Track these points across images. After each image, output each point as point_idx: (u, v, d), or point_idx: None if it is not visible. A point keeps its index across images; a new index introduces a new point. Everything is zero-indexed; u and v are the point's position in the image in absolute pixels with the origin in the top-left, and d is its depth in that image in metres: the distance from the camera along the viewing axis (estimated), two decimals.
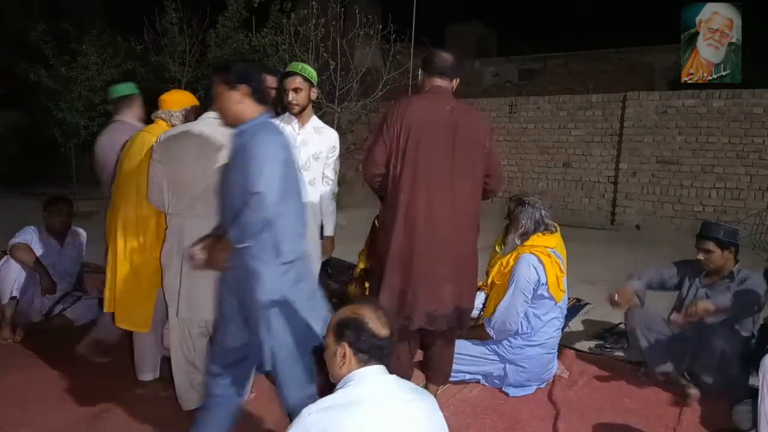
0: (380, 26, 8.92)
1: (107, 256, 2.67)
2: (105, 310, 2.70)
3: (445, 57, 2.45)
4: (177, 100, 2.68)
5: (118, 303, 2.59)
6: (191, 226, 2.26)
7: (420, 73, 2.52)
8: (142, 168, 2.48)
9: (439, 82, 2.43)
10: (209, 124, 2.33)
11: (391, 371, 2.50)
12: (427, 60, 2.47)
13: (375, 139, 2.39)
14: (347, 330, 1.53)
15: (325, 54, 8.55)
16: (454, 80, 2.47)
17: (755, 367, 2.34)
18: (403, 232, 2.33)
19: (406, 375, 2.57)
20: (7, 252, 3.43)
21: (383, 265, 2.40)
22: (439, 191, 2.32)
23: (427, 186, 2.31)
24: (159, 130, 2.56)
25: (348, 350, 1.52)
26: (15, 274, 3.36)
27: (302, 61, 8.78)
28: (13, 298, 3.35)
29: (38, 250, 3.50)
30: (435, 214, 2.32)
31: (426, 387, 2.61)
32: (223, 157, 2.20)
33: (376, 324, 1.54)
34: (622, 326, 3.66)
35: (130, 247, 2.56)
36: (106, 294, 2.66)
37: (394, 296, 2.37)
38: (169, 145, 2.33)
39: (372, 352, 1.52)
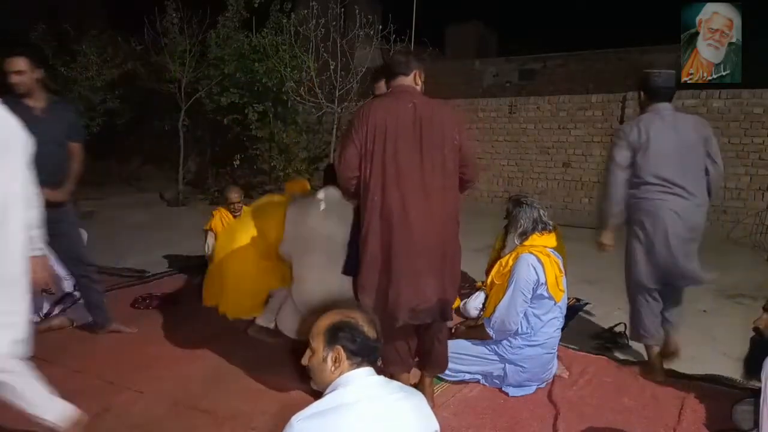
0: (380, 26, 8.92)
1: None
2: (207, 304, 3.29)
3: (399, 57, 2.53)
4: (301, 186, 3.67)
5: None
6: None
7: (384, 85, 2.60)
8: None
9: (399, 80, 2.47)
10: (330, 194, 2.92)
11: (391, 366, 2.54)
12: (385, 69, 2.58)
13: (345, 143, 2.43)
14: (341, 333, 1.51)
15: (325, 54, 8.55)
16: (414, 72, 2.48)
17: (750, 371, 2.33)
18: (380, 233, 2.37)
19: (406, 368, 2.61)
20: None
21: (360, 266, 2.44)
22: (410, 188, 2.34)
23: (397, 184, 2.34)
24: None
25: (342, 354, 1.50)
26: None
27: (302, 61, 8.81)
28: None
29: None
30: (409, 212, 2.34)
31: (421, 379, 2.65)
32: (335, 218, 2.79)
33: (368, 327, 1.54)
34: (622, 326, 3.67)
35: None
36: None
37: (376, 295, 2.41)
38: (298, 208, 3.03)
39: (365, 354, 1.52)
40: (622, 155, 2.94)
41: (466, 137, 2.51)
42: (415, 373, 2.69)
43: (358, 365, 1.51)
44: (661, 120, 2.92)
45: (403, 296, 2.36)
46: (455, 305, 4.09)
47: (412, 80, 2.48)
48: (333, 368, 1.51)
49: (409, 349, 2.60)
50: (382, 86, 2.75)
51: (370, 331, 1.54)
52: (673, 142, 2.88)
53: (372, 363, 1.55)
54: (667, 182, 2.85)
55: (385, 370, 2.55)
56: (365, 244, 2.42)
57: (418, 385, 2.60)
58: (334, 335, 1.52)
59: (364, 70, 8.68)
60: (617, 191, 2.96)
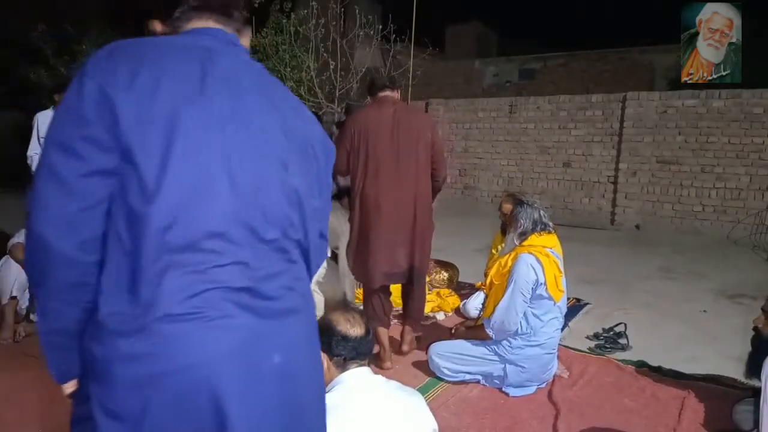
0: (380, 26, 8.92)
1: None
2: None
3: (385, 77, 3.02)
4: None
5: None
6: None
7: (368, 98, 3.07)
8: None
9: (384, 93, 2.96)
10: None
11: (371, 321, 2.71)
12: (369, 86, 3.03)
13: (336, 144, 2.87)
14: (320, 338, 1.55)
15: (325, 54, 8.55)
16: (396, 90, 3.01)
17: (751, 371, 2.33)
18: (362, 211, 2.91)
19: (383, 324, 3.05)
20: (7, 252, 3.43)
21: (352, 239, 2.98)
22: (386, 178, 2.85)
23: (376, 175, 2.86)
24: None
25: (323, 357, 1.52)
26: (15, 274, 3.36)
27: (302, 61, 8.81)
28: (13, 298, 3.35)
29: None
30: (383, 195, 2.85)
31: (402, 328, 3.17)
32: None
33: (346, 325, 1.56)
34: (622, 326, 3.67)
35: None
36: None
37: (360, 263, 2.96)
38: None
39: (345, 353, 1.54)
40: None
41: (438, 137, 3.02)
42: (417, 374, 2.69)
43: (343, 365, 1.53)
44: None
45: (378, 263, 2.90)
46: (456, 305, 4.12)
47: (395, 93, 2.98)
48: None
49: (383, 308, 3.06)
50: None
51: (349, 330, 1.55)
52: None
53: (360, 359, 1.56)
54: None
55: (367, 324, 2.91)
56: (352, 223, 2.97)
57: (401, 334, 3.18)
58: None
59: (364, 69, 8.68)
60: None
